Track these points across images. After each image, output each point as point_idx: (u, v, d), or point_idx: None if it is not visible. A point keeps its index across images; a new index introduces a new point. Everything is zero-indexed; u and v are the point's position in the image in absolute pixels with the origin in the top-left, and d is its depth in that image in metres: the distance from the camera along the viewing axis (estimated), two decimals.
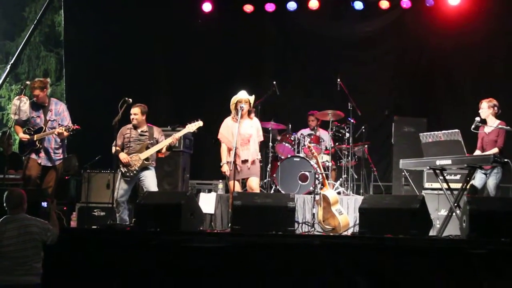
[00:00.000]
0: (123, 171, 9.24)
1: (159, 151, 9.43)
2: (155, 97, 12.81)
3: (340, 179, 11.08)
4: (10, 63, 11.02)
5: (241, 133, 9.10)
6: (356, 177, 11.36)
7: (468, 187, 8.69)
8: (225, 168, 9.15)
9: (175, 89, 13.46)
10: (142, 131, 9.42)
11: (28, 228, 6.41)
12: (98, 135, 10.82)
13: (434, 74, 12.87)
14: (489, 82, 12.13)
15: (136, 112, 9.39)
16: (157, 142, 9.38)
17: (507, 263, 6.84)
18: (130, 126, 9.45)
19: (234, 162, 8.86)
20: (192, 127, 9.39)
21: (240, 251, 7.38)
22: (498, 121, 9.03)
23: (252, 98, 9.28)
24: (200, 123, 9.38)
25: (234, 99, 9.21)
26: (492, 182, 8.77)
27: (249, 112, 9.28)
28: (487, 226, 7.17)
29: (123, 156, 9.22)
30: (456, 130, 8.44)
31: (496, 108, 9.10)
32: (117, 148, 9.27)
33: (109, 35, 12.87)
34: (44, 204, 8.12)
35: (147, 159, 9.25)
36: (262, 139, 9.50)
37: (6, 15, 17.51)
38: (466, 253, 6.95)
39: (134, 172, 9.22)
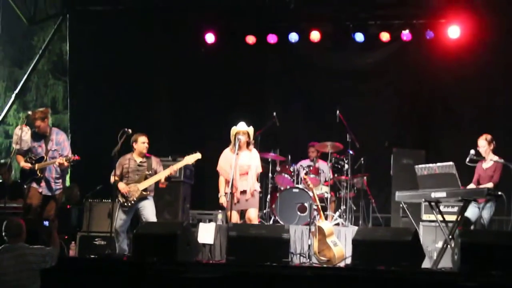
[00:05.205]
0: (121, 201, 9.25)
1: (158, 182, 9.51)
2: (156, 126, 12.85)
3: (339, 210, 11.15)
4: (15, 92, 11.21)
5: (240, 164, 9.19)
6: (354, 208, 11.39)
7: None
8: (223, 200, 9.25)
9: (177, 118, 13.55)
10: (140, 162, 9.44)
11: (25, 257, 6.52)
12: (100, 164, 10.90)
13: (434, 106, 12.91)
14: (488, 115, 12.20)
15: (147, 141, 9.45)
16: (155, 172, 9.41)
17: None
18: (129, 156, 9.46)
19: (232, 193, 8.94)
20: (190, 159, 9.46)
21: (235, 281, 7.44)
22: (496, 157, 9.10)
23: (251, 130, 9.37)
24: (198, 156, 9.44)
25: (233, 130, 9.32)
26: (486, 216, 8.81)
27: (247, 144, 9.36)
28: (478, 259, 7.21)
29: (122, 186, 9.24)
30: (451, 163, 8.52)
31: (493, 142, 9.18)
32: (116, 178, 9.29)
33: (113, 66, 13.02)
34: (46, 223, 8.24)
35: (145, 189, 9.27)
36: (261, 170, 9.59)
37: (15, 43, 17.73)
38: (457, 285, 6.97)
39: (132, 202, 9.24)
